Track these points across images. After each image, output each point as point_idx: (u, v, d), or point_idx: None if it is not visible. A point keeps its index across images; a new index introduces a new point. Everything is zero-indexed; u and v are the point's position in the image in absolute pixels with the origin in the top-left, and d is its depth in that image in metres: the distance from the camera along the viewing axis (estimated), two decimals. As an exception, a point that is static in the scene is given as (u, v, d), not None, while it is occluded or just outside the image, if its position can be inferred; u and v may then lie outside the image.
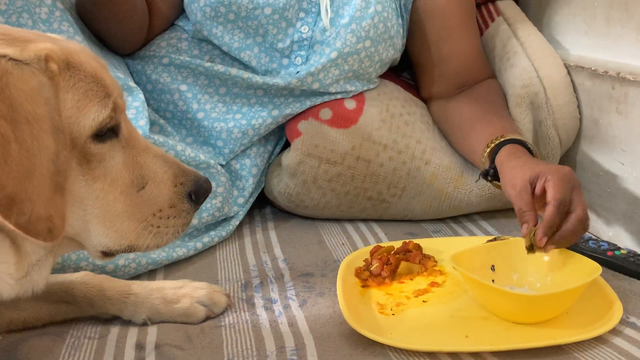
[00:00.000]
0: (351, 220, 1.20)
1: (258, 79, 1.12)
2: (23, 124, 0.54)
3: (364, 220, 1.20)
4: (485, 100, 1.17)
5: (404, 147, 1.15)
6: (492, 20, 1.37)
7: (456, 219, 1.21)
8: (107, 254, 0.67)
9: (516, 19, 1.32)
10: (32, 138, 0.54)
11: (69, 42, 0.66)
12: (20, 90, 0.55)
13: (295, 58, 1.14)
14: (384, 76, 1.24)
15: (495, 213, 1.22)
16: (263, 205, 1.28)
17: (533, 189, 0.87)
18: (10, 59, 0.56)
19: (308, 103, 1.16)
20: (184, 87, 1.14)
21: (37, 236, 0.55)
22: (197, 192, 0.69)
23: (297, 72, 1.13)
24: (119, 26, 1.10)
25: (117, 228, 0.65)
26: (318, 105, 1.16)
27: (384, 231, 1.14)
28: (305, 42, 1.13)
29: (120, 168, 0.64)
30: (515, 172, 0.90)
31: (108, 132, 0.63)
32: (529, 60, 1.22)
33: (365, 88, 1.19)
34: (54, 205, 0.56)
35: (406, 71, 1.33)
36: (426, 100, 1.26)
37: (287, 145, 1.20)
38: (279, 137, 1.23)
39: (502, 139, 1.01)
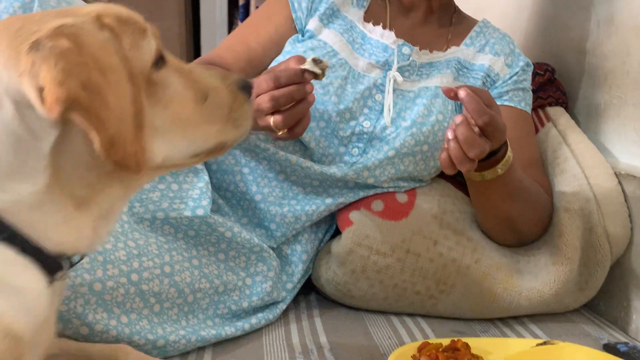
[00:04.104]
0: (397, 313, 1.20)
1: (316, 167, 1.16)
2: (109, 74, 0.60)
3: (411, 314, 1.20)
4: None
5: (455, 244, 1.16)
6: (542, 125, 1.40)
7: (504, 319, 1.19)
8: (197, 155, 0.73)
9: (566, 126, 1.35)
10: (117, 85, 0.60)
11: (98, 4, 0.72)
12: (95, 46, 0.60)
13: (353, 149, 1.18)
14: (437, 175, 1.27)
15: (543, 316, 1.20)
16: (308, 291, 1.28)
17: None
18: (74, 24, 0.61)
19: (361, 194, 1.19)
20: (246, 170, 1.18)
21: (129, 170, 0.61)
22: (245, 85, 0.77)
23: (353, 162, 1.17)
24: None
25: (201, 135, 0.71)
26: (370, 196, 1.19)
27: (430, 327, 1.14)
28: (364, 136, 1.17)
29: (182, 89, 0.70)
30: None
31: (159, 61, 0.69)
32: (580, 167, 1.24)
33: (418, 185, 1.22)
34: (138, 142, 0.62)
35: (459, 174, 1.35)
36: None
37: (336, 233, 1.22)
38: (330, 224, 1.26)
39: None
